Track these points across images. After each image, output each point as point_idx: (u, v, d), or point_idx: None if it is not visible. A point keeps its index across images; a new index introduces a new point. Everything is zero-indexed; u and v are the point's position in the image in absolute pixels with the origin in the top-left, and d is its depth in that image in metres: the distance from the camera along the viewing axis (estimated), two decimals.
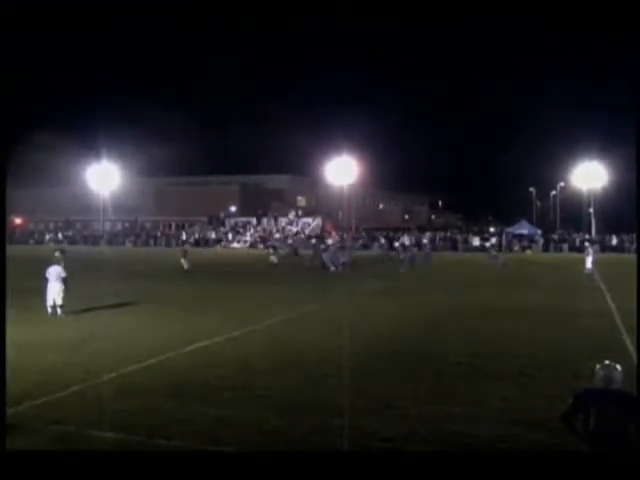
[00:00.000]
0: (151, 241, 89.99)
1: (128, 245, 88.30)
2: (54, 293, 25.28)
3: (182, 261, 47.28)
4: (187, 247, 60.28)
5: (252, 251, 78.09)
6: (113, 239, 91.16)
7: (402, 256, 53.57)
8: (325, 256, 51.59)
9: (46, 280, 25.61)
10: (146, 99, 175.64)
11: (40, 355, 18.09)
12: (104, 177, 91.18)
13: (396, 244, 66.63)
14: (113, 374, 15.84)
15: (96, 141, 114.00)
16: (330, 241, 69.79)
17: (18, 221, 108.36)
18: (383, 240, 72.19)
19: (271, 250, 58.21)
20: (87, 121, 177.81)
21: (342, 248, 59.77)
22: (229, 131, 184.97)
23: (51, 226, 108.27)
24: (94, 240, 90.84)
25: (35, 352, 18.47)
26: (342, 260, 49.87)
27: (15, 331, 21.31)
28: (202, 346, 19.46)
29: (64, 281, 25.47)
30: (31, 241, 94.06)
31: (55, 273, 25.56)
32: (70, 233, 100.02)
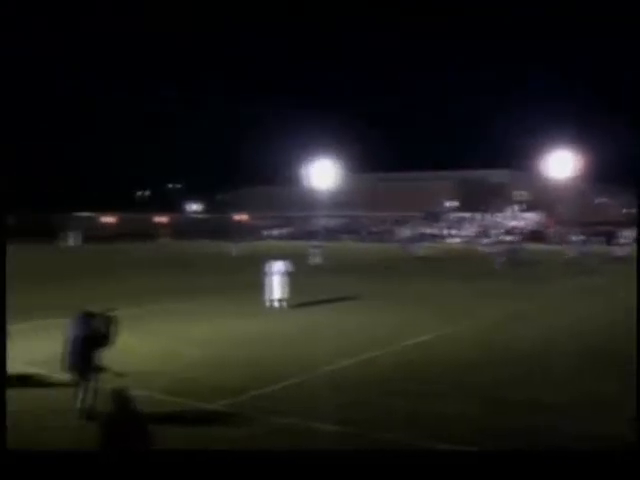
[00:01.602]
0: (369, 236, 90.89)
1: (346, 241, 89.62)
2: (278, 287, 26.07)
3: (312, 258, 47.19)
4: (316, 243, 60.38)
5: (468, 247, 77.01)
6: (331, 235, 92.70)
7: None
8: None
9: (268, 274, 26.46)
10: (367, 95, 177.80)
11: (259, 348, 18.71)
12: (323, 174, 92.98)
13: (573, 238, 63.57)
14: (330, 367, 16.12)
15: (315, 139, 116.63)
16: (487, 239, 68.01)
17: (240, 218, 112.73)
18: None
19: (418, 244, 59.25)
20: (307, 120, 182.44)
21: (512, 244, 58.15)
22: (447, 127, 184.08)
23: (272, 222, 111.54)
24: (313, 236, 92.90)
25: (255, 345, 19.13)
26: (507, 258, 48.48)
27: (236, 324, 22.26)
28: (418, 342, 19.47)
29: (287, 275, 26.23)
30: (252, 237, 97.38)
31: (279, 267, 26.37)
32: (290, 229, 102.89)
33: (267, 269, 26.64)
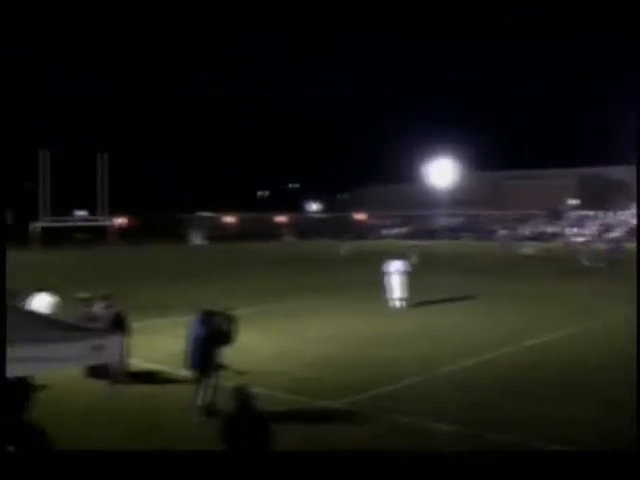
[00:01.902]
0: (486, 235, 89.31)
1: (464, 239, 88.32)
2: (397, 285, 25.97)
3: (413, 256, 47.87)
4: (413, 242, 59.73)
5: (577, 245, 74.71)
6: (451, 234, 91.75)
7: None
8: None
9: (387, 274, 26.36)
10: (486, 92, 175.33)
11: (381, 347, 18.62)
12: (443, 172, 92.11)
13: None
14: (450, 367, 15.93)
15: (435, 137, 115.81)
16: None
17: (359, 217, 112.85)
18: None
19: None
20: (427, 118, 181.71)
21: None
22: (570, 123, 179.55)
23: (391, 221, 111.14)
24: (432, 234, 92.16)
25: (376, 344, 19.05)
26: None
27: (357, 323, 22.19)
28: (540, 342, 19.03)
29: (406, 274, 26.09)
30: (371, 236, 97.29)
31: (398, 266, 26.26)
32: (410, 228, 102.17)
33: (386, 268, 26.60)
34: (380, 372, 15.53)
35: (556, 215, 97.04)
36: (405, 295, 25.88)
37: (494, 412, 12.46)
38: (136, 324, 16.21)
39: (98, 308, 14.94)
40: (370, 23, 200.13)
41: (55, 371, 11.99)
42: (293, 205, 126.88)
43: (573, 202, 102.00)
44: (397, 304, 25.76)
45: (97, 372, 13.76)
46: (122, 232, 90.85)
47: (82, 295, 15.81)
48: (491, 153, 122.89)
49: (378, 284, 27.14)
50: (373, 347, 18.44)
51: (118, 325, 14.22)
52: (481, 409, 12.66)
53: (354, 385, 14.39)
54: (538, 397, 13.38)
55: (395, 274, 26.16)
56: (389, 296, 26.12)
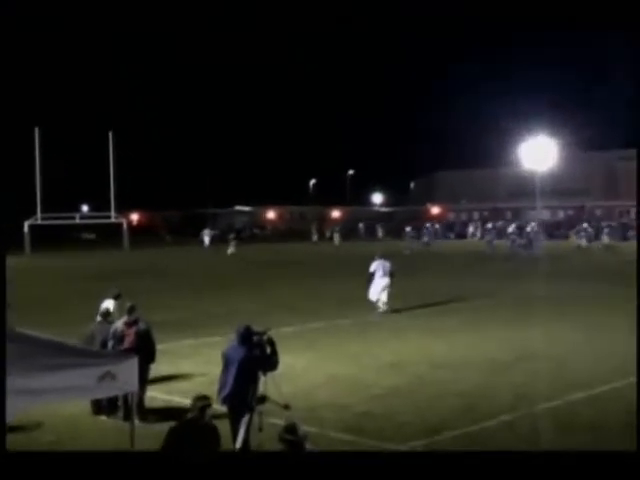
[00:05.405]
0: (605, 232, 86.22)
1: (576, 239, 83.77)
2: (379, 289, 27.82)
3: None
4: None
5: None
6: (554, 231, 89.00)
7: None
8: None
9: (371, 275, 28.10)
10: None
11: (460, 374, 18.43)
12: (540, 154, 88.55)
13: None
14: (553, 402, 15.65)
15: (528, 109, 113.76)
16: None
17: (434, 211, 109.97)
18: None
19: None
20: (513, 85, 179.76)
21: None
22: None
23: (476, 216, 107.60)
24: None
25: (455, 370, 18.88)
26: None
27: (427, 342, 22.04)
28: None
29: (391, 276, 27.91)
30: (452, 235, 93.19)
31: (382, 267, 28.11)
32: (499, 224, 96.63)
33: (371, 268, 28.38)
34: (461, 408, 15.35)
35: None
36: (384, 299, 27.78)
37: None
38: (158, 346, 15.81)
39: (120, 324, 14.73)
40: None
41: (58, 405, 12.11)
42: (352, 196, 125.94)
43: None
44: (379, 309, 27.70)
45: (103, 407, 13.79)
46: (134, 231, 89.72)
47: (102, 309, 15.89)
48: (607, 128, 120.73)
49: None
50: (449, 375, 18.30)
51: (142, 346, 14.06)
52: None
53: (428, 424, 14.24)
54: None
55: (379, 276, 27.85)
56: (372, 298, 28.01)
